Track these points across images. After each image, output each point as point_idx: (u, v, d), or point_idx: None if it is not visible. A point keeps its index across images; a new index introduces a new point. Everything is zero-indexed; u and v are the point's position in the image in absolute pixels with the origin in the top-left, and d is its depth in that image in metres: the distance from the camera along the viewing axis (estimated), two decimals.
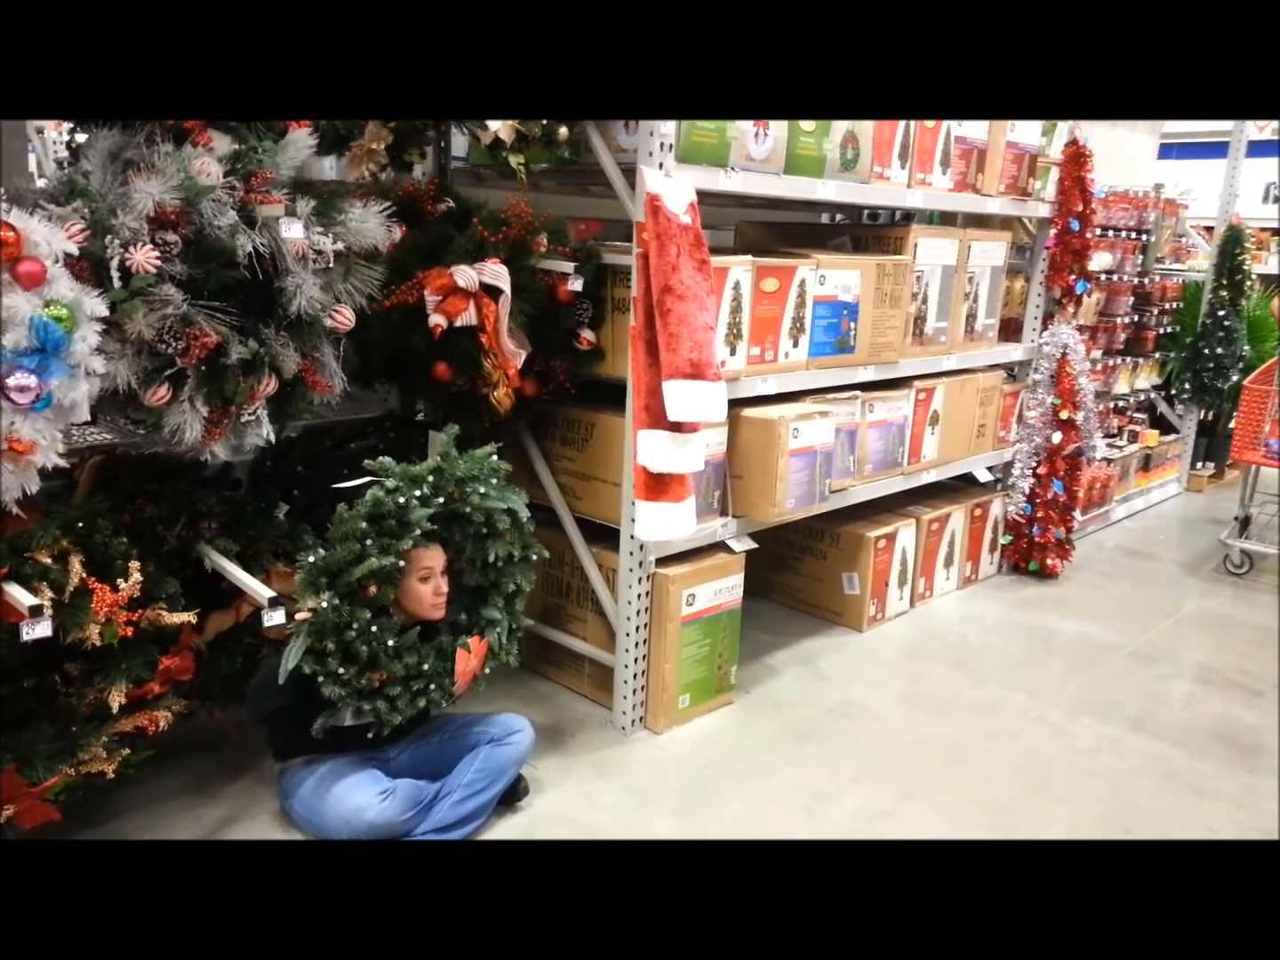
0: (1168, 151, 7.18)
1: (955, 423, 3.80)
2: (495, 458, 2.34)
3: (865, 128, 3.07)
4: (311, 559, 2.04)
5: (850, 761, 2.74)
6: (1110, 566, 4.50)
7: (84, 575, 1.91)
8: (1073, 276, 4.07)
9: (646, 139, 2.48)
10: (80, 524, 1.96)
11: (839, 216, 4.58)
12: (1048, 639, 3.65)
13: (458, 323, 2.44)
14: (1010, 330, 4.25)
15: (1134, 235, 5.11)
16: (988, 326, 3.90)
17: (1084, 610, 3.93)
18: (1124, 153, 6.36)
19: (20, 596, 1.80)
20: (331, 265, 2.10)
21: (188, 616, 2.08)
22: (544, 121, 2.53)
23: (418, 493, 2.13)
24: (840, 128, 2.98)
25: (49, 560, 1.88)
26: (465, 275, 2.42)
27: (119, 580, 1.96)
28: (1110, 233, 4.93)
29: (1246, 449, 4.47)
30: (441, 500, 2.19)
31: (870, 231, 3.58)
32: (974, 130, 3.53)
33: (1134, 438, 5.47)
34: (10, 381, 1.66)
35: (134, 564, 1.99)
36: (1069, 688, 3.26)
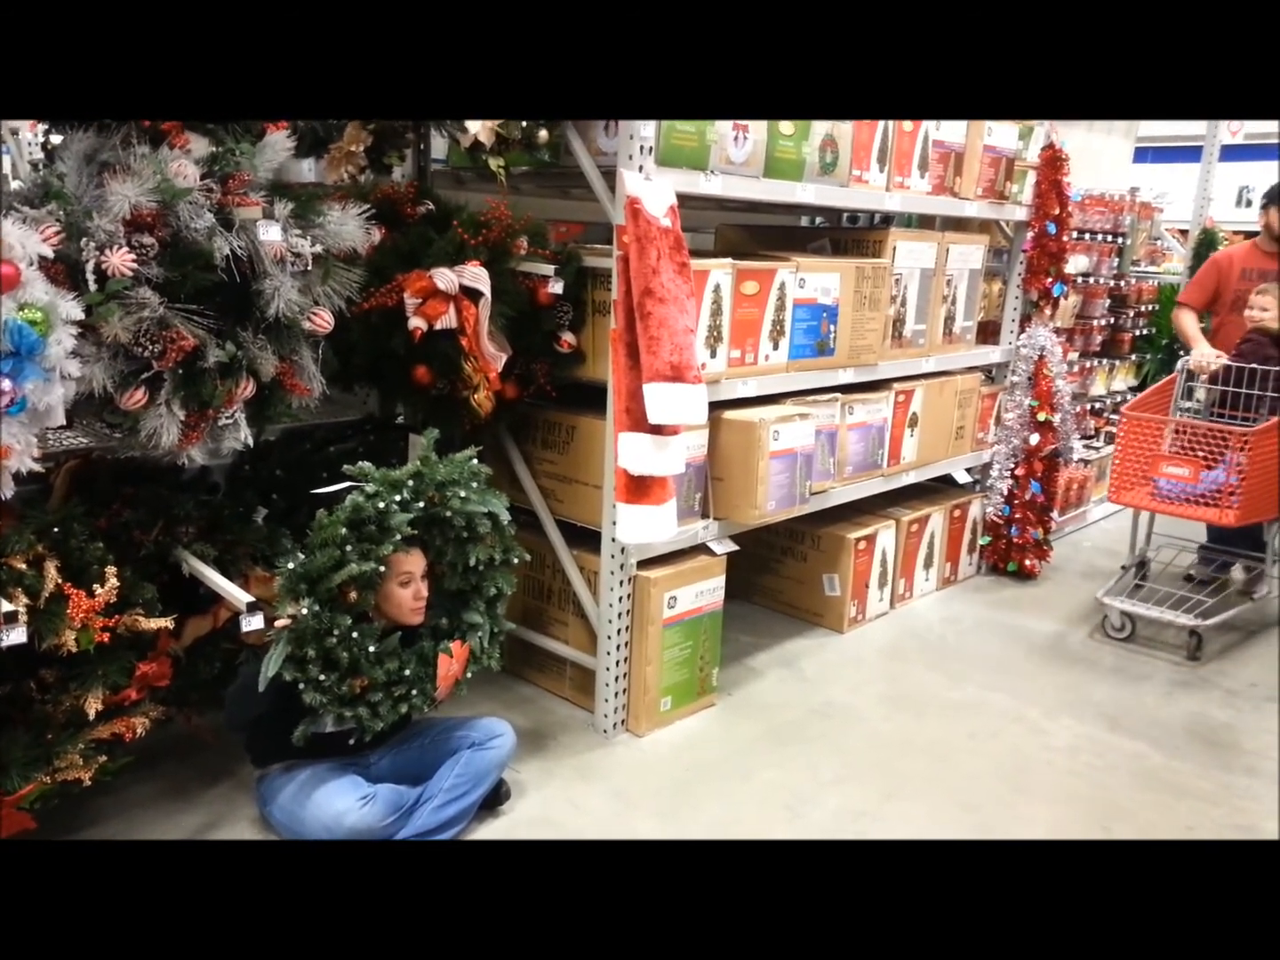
0: (1143, 155, 7.26)
1: (934, 424, 3.82)
2: (476, 461, 2.34)
3: (844, 131, 3.08)
4: (291, 565, 2.03)
5: (831, 762, 2.75)
6: (1088, 567, 4.54)
7: (60, 581, 1.89)
8: (1050, 279, 4.11)
9: (626, 142, 2.48)
10: (56, 529, 1.95)
11: (818, 219, 4.60)
12: (1026, 639, 3.68)
13: (437, 325, 2.43)
14: (988, 333, 4.28)
15: (1110, 238, 5.16)
16: (966, 329, 3.93)
17: (1062, 611, 3.96)
18: (1100, 156, 6.42)
19: None
20: (310, 268, 2.08)
21: (165, 622, 2.07)
22: (524, 124, 2.53)
23: (398, 498, 2.12)
24: (819, 131, 2.99)
25: (24, 566, 1.86)
26: (445, 278, 2.42)
27: (95, 586, 1.94)
28: (1087, 236, 4.97)
29: (1126, 489, 3.68)
30: (422, 505, 2.18)
31: (849, 234, 3.60)
32: (952, 134, 3.55)
33: (1111, 439, 5.52)
34: None
35: (110, 569, 1.97)
36: (1047, 688, 3.28)
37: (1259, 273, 4.03)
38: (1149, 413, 3.74)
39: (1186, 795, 2.67)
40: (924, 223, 4.26)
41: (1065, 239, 4.10)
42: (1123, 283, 5.42)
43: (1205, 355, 3.77)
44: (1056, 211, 4.03)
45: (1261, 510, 3.53)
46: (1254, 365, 3.55)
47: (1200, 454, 3.46)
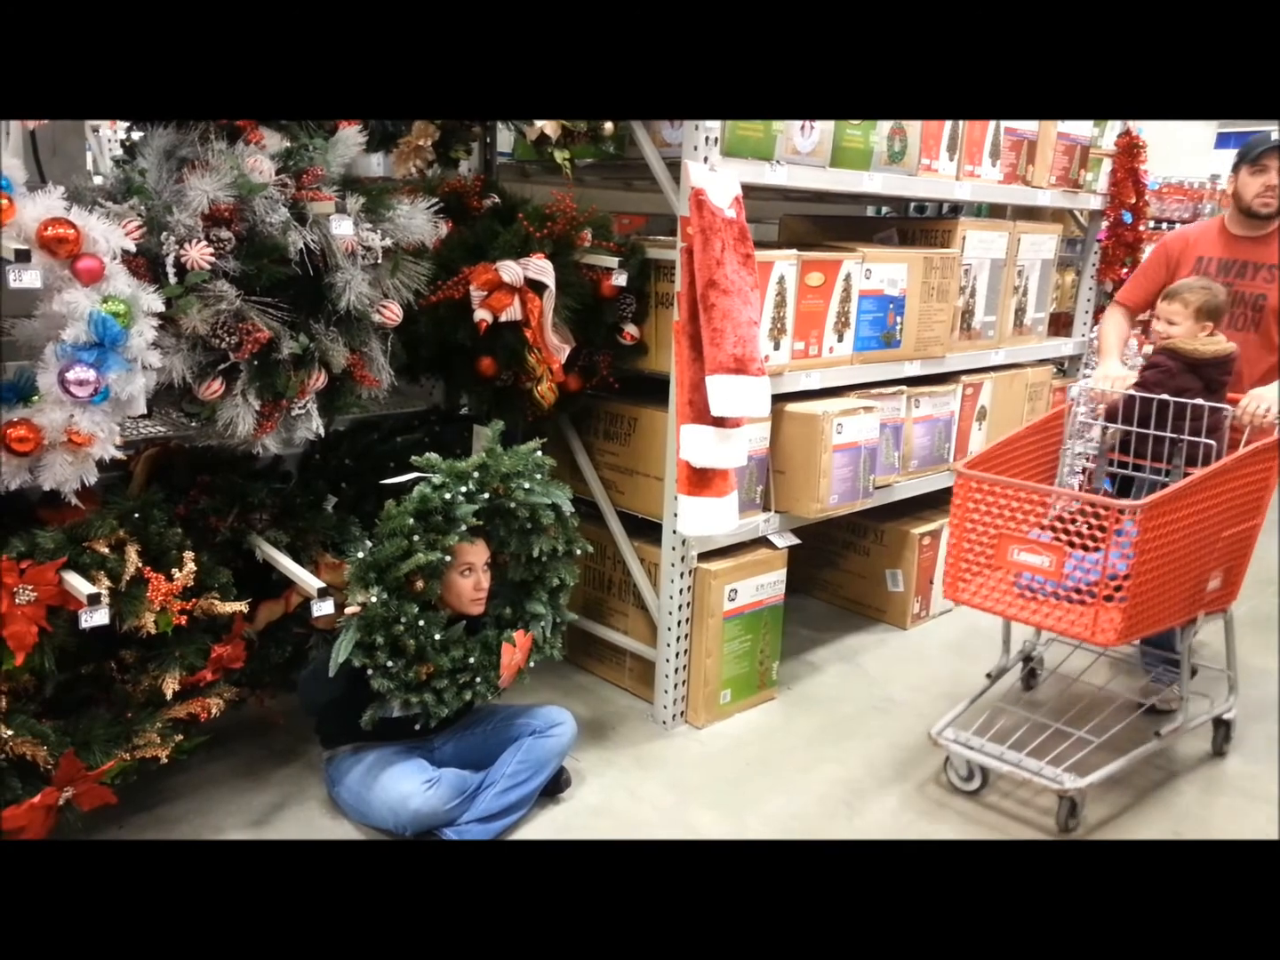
0: (1225, 140, 7.01)
1: (1003, 418, 3.75)
2: (540, 453, 2.36)
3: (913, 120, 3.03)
4: (361, 555, 2.07)
5: (892, 759, 2.72)
6: None
7: (140, 564, 1.96)
8: (1125, 270, 4.00)
9: (691, 133, 2.47)
10: (136, 514, 2.01)
11: (885, 209, 4.54)
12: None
13: (502, 318, 2.46)
14: (1060, 324, 4.19)
15: None
16: (1037, 320, 3.85)
17: None
18: (1179, 143, 6.22)
19: (79, 585, 1.85)
20: (380, 261, 2.12)
21: (240, 606, 2.13)
22: None
23: (464, 489, 2.15)
24: (887, 120, 2.95)
25: (106, 550, 1.93)
26: (510, 270, 2.44)
27: (173, 570, 2.00)
28: (1164, 225, 4.83)
29: (965, 580, 2.46)
30: (486, 496, 2.21)
31: (917, 224, 3.54)
32: (1024, 121, 3.47)
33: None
34: (70, 375, 1.71)
35: (188, 554, 2.03)
36: (1118, 688, 3.20)
37: (1221, 263, 2.94)
38: (1011, 465, 2.61)
39: (1260, 800, 2.59)
40: (994, 212, 4.17)
41: (1142, 228, 3.99)
42: None
43: (1108, 379, 2.73)
44: (1133, 200, 3.93)
45: (1164, 614, 2.39)
46: (1163, 398, 2.52)
47: (1083, 531, 2.25)
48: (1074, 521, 2.29)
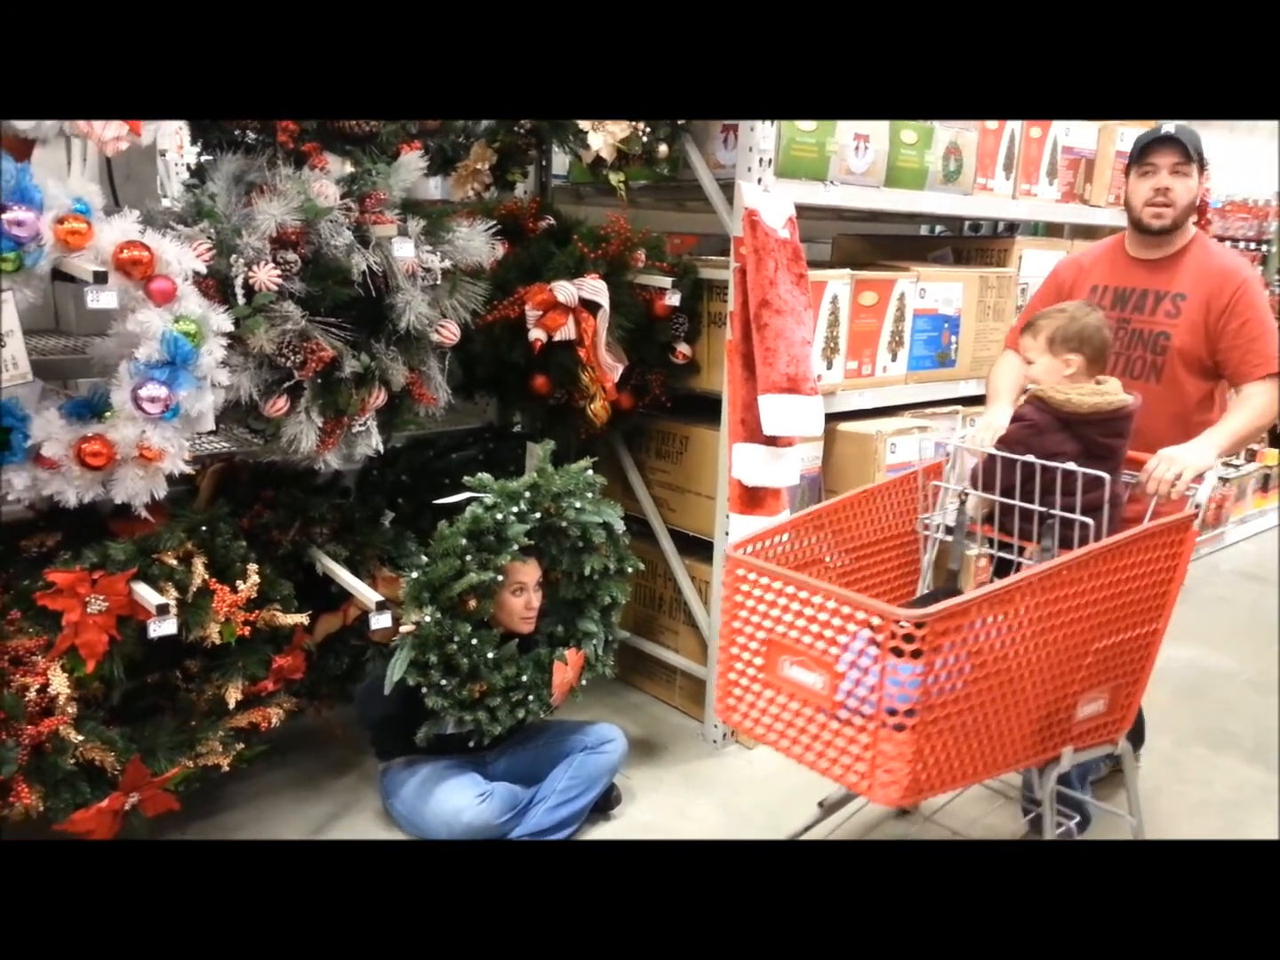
0: None
1: None
2: (590, 472, 2.38)
3: (968, 139, 3.02)
4: (415, 574, 2.11)
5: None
6: (1225, 590, 4.30)
7: (206, 576, 2.01)
8: None
9: (745, 154, 2.49)
10: (204, 528, 2.06)
11: (939, 228, 4.51)
12: (1157, 665, 3.51)
13: (557, 337, 2.49)
14: None
15: (1253, 246, 4.90)
16: None
17: (1196, 635, 3.76)
18: (1243, 160, 6.10)
19: (148, 596, 1.90)
20: (439, 282, 2.17)
21: (300, 618, 2.17)
22: (644, 139, 2.57)
23: (515, 509, 2.18)
24: (943, 139, 2.94)
25: (174, 562, 1.98)
26: (565, 291, 2.48)
27: (238, 582, 2.05)
28: (1228, 243, 4.74)
29: (731, 698, 1.81)
30: (538, 515, 2.23)
31: (972, 243, 3.52)
32: (1082, 140, 3.44)
33: (1252, 456, 5.22)
34: (143, 392, 1.77)
35: (252, 566, 2.08)
36: (1179, 715, 3.13)
37: (1116, 293, 2.38)
38: (835, 542, 2.05)
39: None
40: (1051, 230, 4.12)
41: None
42: (1266, 292, 5.13)
43: (989, 428, 2.12)
44: (1195, 218, 3.85)
45: (992, 757, 1.73)
46: (1028, 459, 1.94)
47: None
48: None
